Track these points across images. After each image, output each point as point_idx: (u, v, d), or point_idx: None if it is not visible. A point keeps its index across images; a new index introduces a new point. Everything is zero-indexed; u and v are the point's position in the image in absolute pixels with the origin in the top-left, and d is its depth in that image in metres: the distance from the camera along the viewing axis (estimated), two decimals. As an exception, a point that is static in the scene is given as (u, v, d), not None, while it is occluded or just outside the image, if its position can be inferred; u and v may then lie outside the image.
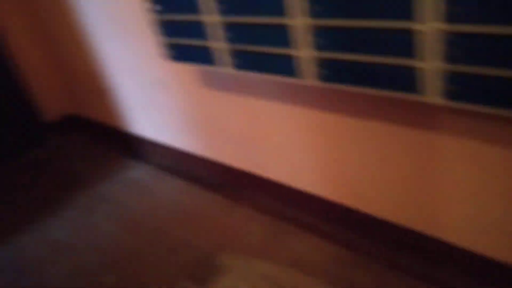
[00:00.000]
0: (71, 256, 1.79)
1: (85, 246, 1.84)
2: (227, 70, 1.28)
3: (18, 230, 2.06)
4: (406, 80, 0.81)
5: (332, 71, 0.98)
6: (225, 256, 1.58)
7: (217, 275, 1.50)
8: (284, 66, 1.07)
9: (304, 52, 1.00)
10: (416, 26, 0.74)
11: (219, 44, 1.25)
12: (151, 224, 1.87)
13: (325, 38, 0.94)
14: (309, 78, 1.04)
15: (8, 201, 2.35)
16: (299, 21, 0.98)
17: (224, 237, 1.68)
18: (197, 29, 1.30)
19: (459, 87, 0.77)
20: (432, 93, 0.78)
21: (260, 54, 1.14)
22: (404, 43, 0.77)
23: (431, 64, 0.75)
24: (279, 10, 1.00)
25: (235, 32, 1.18)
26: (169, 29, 1.40)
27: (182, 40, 1.38)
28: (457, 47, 0.73)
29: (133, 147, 2.48)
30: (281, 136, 1.50)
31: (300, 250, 1.54)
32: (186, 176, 2.14)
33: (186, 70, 1.69)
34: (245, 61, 1.20)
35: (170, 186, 2.12)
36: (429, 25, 0.72)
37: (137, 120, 2.30)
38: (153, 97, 2.02)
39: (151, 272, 1.59)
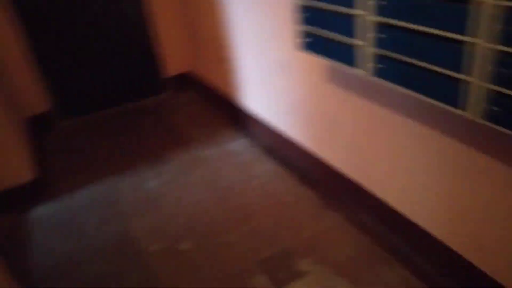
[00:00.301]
0: (157, 211, 1.88)
1: (173, 205, 1.91)
2: (366, 75, 1.15)
3: (117, 172, 2.23)
4: None
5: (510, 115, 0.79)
6: (307, 261, 1.50)
7: (293, 280, 1.43)
8: (446, 91, 0.90)
9: (479, 82, 0.82)
10: None
11: (365, 45, 1.11)
12: (240, 201, 1.87)
13: (512, 71, 0.75)
14: (475, 114, 0.86)
15: (113, 143, 2.56)
16: (481, 43, 0.79)
17: (310, 240, 1.60)
18: (342, 23, 1.17)
19: None
20: None
21: (414, 68, 0.98)
22: None
23: None
24: (457, 25, 0.83)
25: (389, 37, 1.02)
26: (310, 16, 1.30)
27: (322, 31, 1.26)
28: None
29: (240, 120, 2.49)
30: (406, 158, 1.33)
31: (389, 282, 1.40)
32: (286, 163, 2.08)
33: (315, 61, 1.58)
34: (392, 72, 1.05)
35: (267, 168, 2.09)
36: None
37: (250, 95, 2.28)
38: (273, 78, 1.96)
39: (229, 253, 1.59)
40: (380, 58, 1.08)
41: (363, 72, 1.16)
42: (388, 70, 1.06)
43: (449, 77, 0.88)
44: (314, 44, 1.35)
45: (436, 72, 0.91)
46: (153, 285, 1.48)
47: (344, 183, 1.69)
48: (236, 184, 2.00)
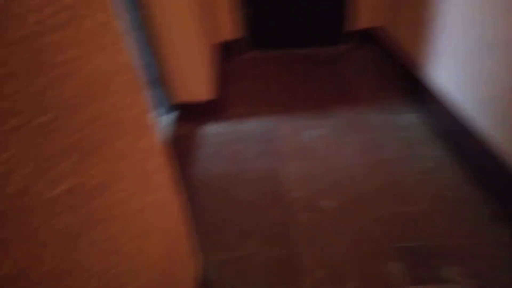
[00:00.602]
0: (308, 161, 1.89)
1: (325, 160, 1.89)
2: None
3: (282, 112, 2.30)
4: None
5: None
6: (455, 270, 1.33)
7: (433, 283, 1.30)
8: None
9: None
10: None
11: None
12: (395, 179, 1.74)
13: None
14: None
15: (285, 82, 2.62)
16: None
17: (466, 250, 1.39)
18: None
19: None
20: None
21: None
22: None
23: None
24: None
25: None
26: None
27: None
28: None
29: (418, 92, 2.24)
30: None
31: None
32: (460, 155, 1.82)
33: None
34: None
35: (435, 154, 1.87)
36: None
37: (442, 68, 2.00)
38: (482, 57, 1.64)
39: (370, 227, 1.52)
40: None
41: None
42: None
43: None
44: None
45: None
46: (286, 229, 1.55)
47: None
48: (394, 160, 1.86)
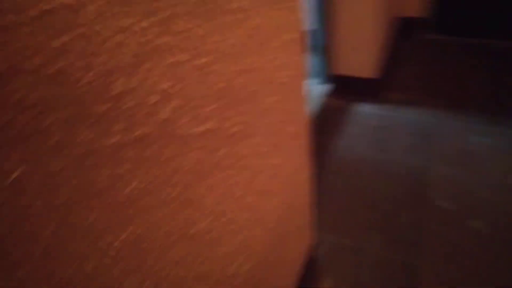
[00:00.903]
0: (466, 170, 1.63)
1: (488, 173, 1.60)
2: None
3: (448, 108, 2.01)
4: None
5: None
6: None
7: None
8: None
9: None
10: None
11: None
12: None
13: None
14: None
15: (465, 74, 2.26)
16: None
17: None
18: None
19: None
20: None
21: None
22: None
23: None
24: None
25: None
26: None
27: None
28: None
29: None
30: None
31: None
32: None
33: None
34: None
35: None
36: None
37: None
38: None
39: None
40: None
41: None
42: None
43: None
44: None
45: None
46: (417, 237, 1.39)
47: None
48: None
